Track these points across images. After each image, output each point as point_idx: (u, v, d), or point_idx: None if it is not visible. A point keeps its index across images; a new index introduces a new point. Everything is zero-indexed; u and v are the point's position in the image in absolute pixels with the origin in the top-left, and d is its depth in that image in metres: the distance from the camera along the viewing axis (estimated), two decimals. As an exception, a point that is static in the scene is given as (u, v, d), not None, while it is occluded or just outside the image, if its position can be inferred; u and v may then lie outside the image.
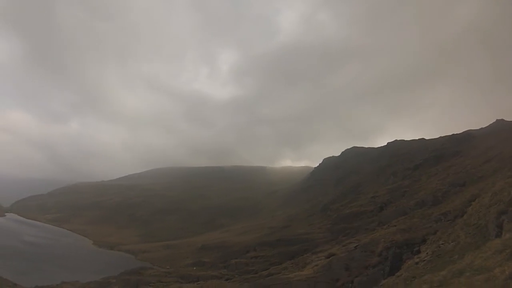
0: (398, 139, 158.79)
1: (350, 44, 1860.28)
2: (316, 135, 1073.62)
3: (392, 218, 59.73)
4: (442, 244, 28.44)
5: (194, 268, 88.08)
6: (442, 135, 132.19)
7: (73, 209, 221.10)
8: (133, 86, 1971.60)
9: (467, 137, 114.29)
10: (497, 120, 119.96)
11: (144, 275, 74.50)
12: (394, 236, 41.44)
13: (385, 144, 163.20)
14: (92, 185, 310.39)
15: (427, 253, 28.91)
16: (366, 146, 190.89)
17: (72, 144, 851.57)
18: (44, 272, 66.17)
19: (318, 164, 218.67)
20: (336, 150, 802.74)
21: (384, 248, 38.49)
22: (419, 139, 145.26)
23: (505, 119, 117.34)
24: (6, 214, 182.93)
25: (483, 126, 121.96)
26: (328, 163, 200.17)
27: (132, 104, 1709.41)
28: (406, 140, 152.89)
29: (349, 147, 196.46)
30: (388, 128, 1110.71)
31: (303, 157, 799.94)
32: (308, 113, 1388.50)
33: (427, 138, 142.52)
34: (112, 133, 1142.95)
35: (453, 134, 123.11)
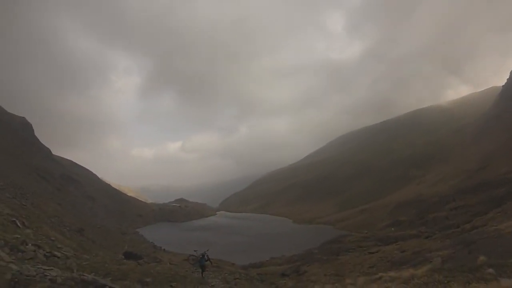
0: None
1: None
2: (479, 47, 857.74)
3: None
4: None
5: (392, 229, 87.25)
6: None
7: (270, 196, 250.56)
8: (270, 79, 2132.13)
9: None
10: None
11: (343, 242, 76.64)
12: None
13: None
14: (281, 171, 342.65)
15: None
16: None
17: (249, 144, 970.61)
18: (257, 252, 77.28)
19: (505, 81, 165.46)
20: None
21: None
22: None
23: None
24: (217, 213, 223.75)
25: None
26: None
27: (279, 94, 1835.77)
28: None
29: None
30: None
31: (473, 81, 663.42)
32: (453, 30, 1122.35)
33: None
34: (277, 123, 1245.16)
35: None
